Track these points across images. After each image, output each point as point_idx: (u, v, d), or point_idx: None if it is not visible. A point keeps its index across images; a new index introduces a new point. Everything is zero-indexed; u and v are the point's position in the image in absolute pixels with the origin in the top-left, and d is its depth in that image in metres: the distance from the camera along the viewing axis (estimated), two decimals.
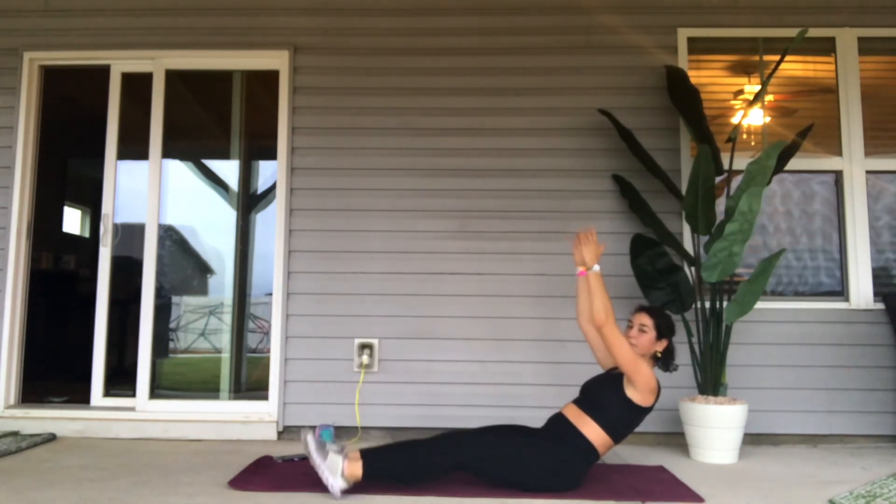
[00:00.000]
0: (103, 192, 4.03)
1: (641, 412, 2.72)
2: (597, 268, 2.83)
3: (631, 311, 2.93)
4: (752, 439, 3.65)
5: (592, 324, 2.81)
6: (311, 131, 3.99)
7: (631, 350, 2.69)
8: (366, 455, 2.55)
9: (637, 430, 3.67)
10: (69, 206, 7.39)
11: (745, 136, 4.15)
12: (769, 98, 4.16)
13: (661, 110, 3.93)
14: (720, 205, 3.59)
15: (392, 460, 2.58)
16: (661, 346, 2.82)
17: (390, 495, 2.58)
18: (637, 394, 2.67)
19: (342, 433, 3.69)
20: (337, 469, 2.50)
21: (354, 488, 2.56)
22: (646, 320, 2.82)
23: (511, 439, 2.68)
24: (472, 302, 3.85)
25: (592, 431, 2.66)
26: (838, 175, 3.97)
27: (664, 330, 2.82)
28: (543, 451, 2.64)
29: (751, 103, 3.58)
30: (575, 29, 4.03)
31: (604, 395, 2.73)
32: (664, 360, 2.86)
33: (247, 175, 4.40)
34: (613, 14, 4.03)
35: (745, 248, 3.25)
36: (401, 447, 2.62)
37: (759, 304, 3.70)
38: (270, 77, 4.07)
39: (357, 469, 2.52)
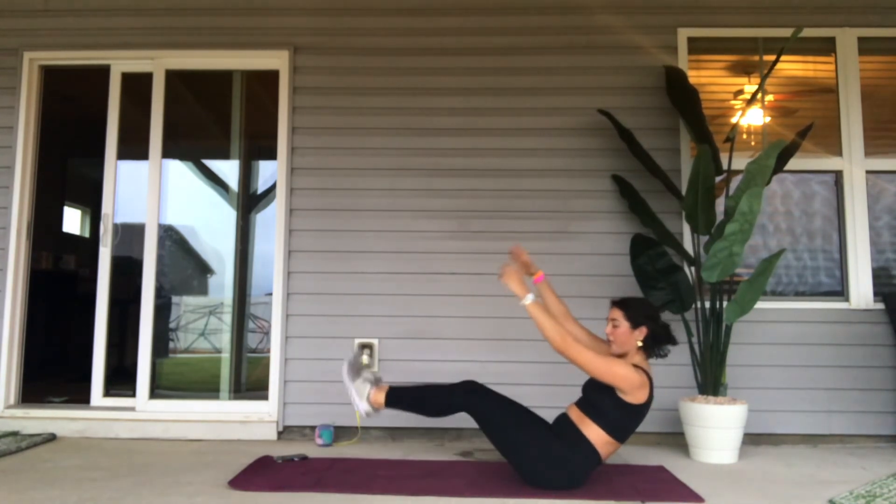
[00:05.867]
0: (103, 192, 4.03)
1: (638, 410, 2.68)
2: (530, 298, 2.68)
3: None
4: (752, 439, 3.66)
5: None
6: (311, 131, 3.99)
7: (599, 361, 2.61)
8: (392, 388, 2.91)
9: (637, 430, 3.70)
10: (69, 206, 7.39)
11: (745, 136, 4.15)
12: (769, 98, 4.17)
13: (661, 110, 3.93)
14: (720, 205, 3.59)
15: (412, 393, 2.91)
16: (640, 336, 2.74)
17: (391, 495, 2.59)
18: (626, 395, 2.64)
19: (342, 433, 3.69)
20: (364, 393, 2.89)
21: (356, 486, 2.58)
22: (615, 314, 2.78)
23: (519, 421, 2.74)
24: (473, 302, 3.84)
25: (594, 433, 2.66)
26: (838, 175, 3.97)
27: (638, 319, 2.75)
28: (545, 448, 2.67)
29: (748, 102, 3.58)
30: (575, 29, 4.03)
31: (598, 396, 2.71)
32: (649, 348, 2.78)
33: (247, 175, 4.40)
34: (613, 14, 4.03)
35: (745, 248, 3.25)
36: (422, 386, 2.96)
37: (759, 304, 3.70)
38: (270, 77, 4.07)
39: (381, 397, 2.88)
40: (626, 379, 2.61)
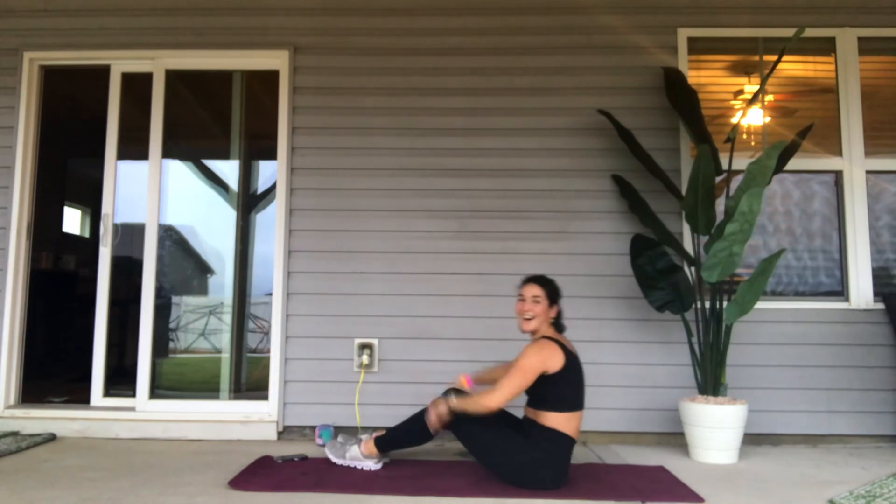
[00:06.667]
0: (103, 192, 4.03)
1: (566, 374, 2.75)
2: (453, 403, 2.80)
3: (517, 285, 3.00)
4: (752, 439, 3.66)
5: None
6: (311, 131, 3.99)
7: (514, 381, 2.70)
8: (376, 437, 3.01)
9: (637, 430, 3.70)
10: (69, 206, 7.40)
11: (745, 136, 4.15)
12: (769, 98, 4.17)
13: (661, 110, 3.93)
14: (720, 205, 3.59)
15: (395, 432, 3.00)
16: (553, 313, 2.92)
17: (391, 495, 2.58)
18: (548, 370, 2.73)
19: (342, 433, 3.68)
20: (358, 454, 3.00)
21: (356, 486, 2.60)
22: (537, 291, 2.91)
23: (493, 431, 2.79)
24: (472, 302, 3.84)
25: (551, 419, 2.73)
26: (838, 175, 3.97)
27: (554, 297, 2.93)
28: (521, 452, 2.71)
29: (749, 102, 3.58)
30: (575, 29, 4.03)
31: (534, 388, 2.79)
32: (558, 324, 2.96)
33: (247, 175, 4.40)
34: (613, 14, 4.03)
35: (745, 248, 3.25)
36: (401, 424, 3.02)
37: (759, 304, 3.71)
38: (270, 77, 4.07)
39: (371, 445, 2.98)
40: (533, 367, 2.72)
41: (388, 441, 3.00)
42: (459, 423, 2.84)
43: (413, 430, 2.97)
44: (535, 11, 4.05)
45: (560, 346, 2.78)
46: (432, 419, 2.82)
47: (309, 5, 4.07)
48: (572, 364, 2.79)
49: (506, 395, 2.70)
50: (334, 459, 3.07)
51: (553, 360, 2.74)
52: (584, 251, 3.88)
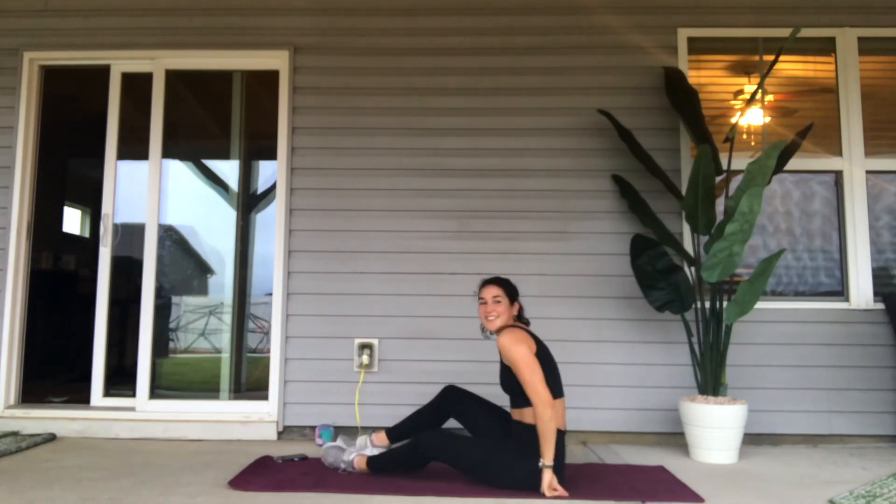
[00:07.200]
0: (103, 192, 4.03)
1: (539, 359, 2.74)
2: (546, 461, 2.63)
3: (475, 290, 2.99)
4: (752, 439, 3.66)
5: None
6: (311, 131, 3.99)
7: (532, 378, 2.65)
8: (371, 458, 2.96)
9: (637, 430, 3.70)
10: (69, 206, 7.39)
11: (745, 136, 4.15)
12: (769, 98, 4.17)
13: (661, 110, 3.93)
14: (720, 205, 3.59)
15: (386, 460, 2.94)
16: (515, 310, 2.94)
17: (391, 495, 2.59)
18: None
19: (342, 433, 3.68)
20: (352, 470, 2.97)
21: (356, 486, 2.63)
22: (496, 291, 2.92)
23: (480, 446, 2.78)
24: (473, 302, 3.82)
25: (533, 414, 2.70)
26: (838, 175, 3.97)
27: (513, 295, 2.95)
28: (516, 464, 2.67)
29: (748, 102, 3.58)
30: (575, 29, 4.03)
31: (512, 382, 2.76)
32: (521, 318, 2.99)
33: (247, 175, 4.40)
34: (613, 14, 4.03)
35: (745, 248, 3.25)
36: (392, 452, 2.97)
37: (759, 304, 3.71)
38: (270, 77, 4.07)
39: (363, 463, 2.94)
40: (525, 353, 2.70)
41: (382, 467, 2.91)
42: (440, 449, 2.77)
43: (407, 457, 2.87)
44: (536, 11, 4.05)
45: (526, 332, 2.81)
46: (555, 494, 2.63)
47: (309, 5, 4.07)
48: (542, 349, 2.79)
49: (540, 392, 2.63)
50: (332, 464, 3.02)
51: (529, 342, 2.75)
52: (585, 251, 3.88)
